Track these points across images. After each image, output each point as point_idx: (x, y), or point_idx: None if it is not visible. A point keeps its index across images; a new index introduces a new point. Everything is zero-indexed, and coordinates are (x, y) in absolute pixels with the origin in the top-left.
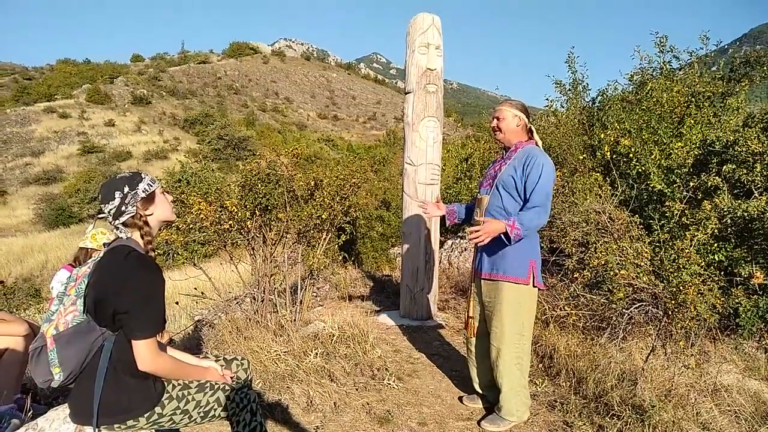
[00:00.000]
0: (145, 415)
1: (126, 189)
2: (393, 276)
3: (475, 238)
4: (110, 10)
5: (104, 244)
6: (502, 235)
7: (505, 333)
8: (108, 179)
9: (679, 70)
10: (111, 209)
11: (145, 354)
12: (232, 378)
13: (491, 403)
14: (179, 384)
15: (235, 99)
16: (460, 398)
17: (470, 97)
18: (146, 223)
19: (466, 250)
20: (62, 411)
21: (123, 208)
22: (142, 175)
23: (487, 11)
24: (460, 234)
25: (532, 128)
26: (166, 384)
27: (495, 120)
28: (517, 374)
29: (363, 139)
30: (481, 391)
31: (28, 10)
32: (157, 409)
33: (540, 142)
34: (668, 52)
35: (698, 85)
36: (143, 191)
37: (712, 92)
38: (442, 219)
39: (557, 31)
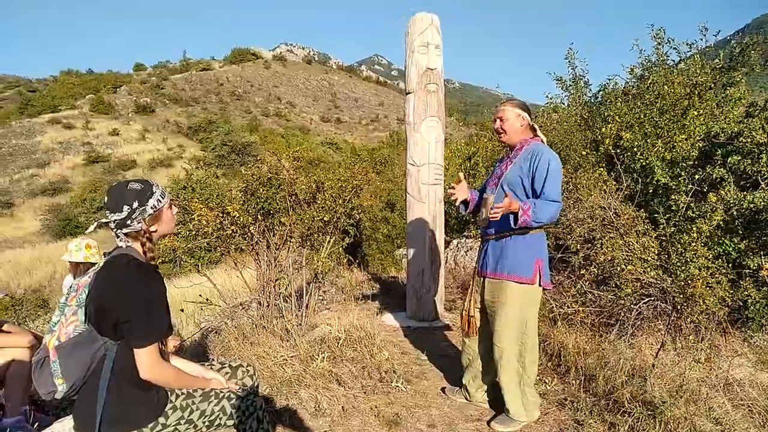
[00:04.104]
0: (149, 426)
1: (135, 204)
2: (399, 277)
3: (493, 216)
4: (112, 21)
5: (104, 254)
6: (511, 216)
7: (509, 333)
8: (118, 185)
9: (680, 62)
10: (116, 219)
11: (146, 362)
12: (237, 385)
13: (491, 401)
14: (183, 393)
15: (238, 105)
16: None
17: (473, 96)
18: (149, 239)
19: (471, 249)
20: (67, 423)
21: (129, 222)
22: (153, 189)
23: (488, 9)
24: (465, 234)
25: (535, 126)
26: (169, 394)
27: (498, 121)
28: (522, 374)
29: (366, 141)
30: (473, 391)
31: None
32: (161, 420)
33: (545, 139)
34: (666, 44)
35: (700, 76)
36: (152, 208)
37: (713, 83)
38: (446, 218)
39: (559, 27)
